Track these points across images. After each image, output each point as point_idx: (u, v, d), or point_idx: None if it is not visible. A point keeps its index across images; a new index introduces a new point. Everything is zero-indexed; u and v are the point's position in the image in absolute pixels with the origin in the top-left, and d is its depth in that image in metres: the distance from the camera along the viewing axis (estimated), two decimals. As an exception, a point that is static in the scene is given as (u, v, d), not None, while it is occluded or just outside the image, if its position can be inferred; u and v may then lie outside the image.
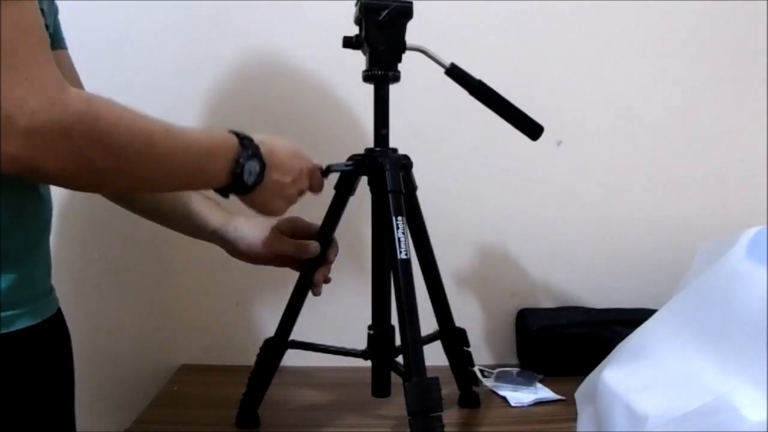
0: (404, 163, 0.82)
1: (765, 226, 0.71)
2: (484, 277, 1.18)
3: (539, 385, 1.01)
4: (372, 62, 0.81)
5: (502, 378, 1.04)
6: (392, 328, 0.85)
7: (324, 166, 0.82)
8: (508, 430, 0.89)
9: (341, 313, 1.12)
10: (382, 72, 0.80)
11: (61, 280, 0.74)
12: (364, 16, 0.79)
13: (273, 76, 1.13)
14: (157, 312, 1.16)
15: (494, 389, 1.01)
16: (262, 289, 1.14)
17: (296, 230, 0.88)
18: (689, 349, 0.69)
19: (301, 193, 0.79)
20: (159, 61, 1.11)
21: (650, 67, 1.18)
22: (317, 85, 1.13)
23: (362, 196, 0.84)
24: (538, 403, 0.97)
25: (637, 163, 1.20)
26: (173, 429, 0.89)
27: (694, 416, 0.61)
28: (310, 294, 0.86)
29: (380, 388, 0.87)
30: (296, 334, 0.87)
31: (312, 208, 0.85)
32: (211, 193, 0.73)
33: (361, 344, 0.87)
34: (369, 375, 0.88)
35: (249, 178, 0.69)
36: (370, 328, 0.86)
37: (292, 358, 0.88)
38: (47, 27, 0.68)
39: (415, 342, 0.70)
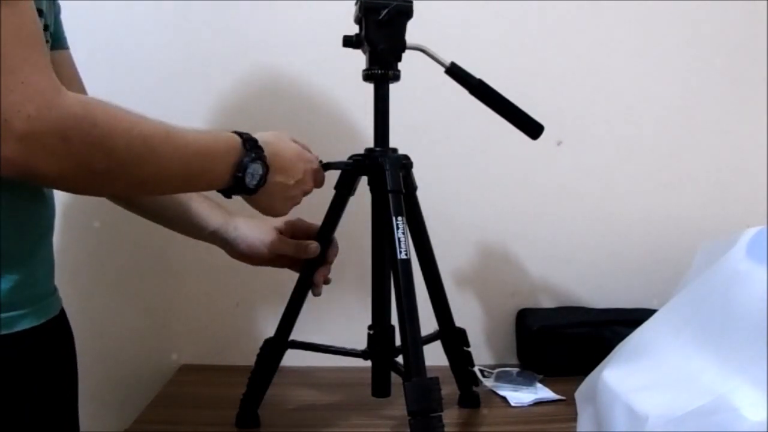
0: (404, 163, 0.82)
1: (765, 226, 0.71)
2: (484, 277, 1.18)
3: (539, 385, 1.01)
4: (372, 61, 0.81)
5: (502, 378, 1.04)
6: (392, 328, 0.85)
7: (323, 162, 0.82)
8: (508, 430, 0.89)
9: (341, 313, 1.12)
10: (382, 71, 0.80)
11: (61, 280, 0.74)
12: (364, 16, 0.79)
13: (273, 76, 1.13)
14: (157, 312, 1.16)
15: (494, 389, 1.01)
16: (262, 289, 1.14)
17: (296, 231, 0.88)
18: (689, 349, 0.69)
19: (305, 193, 0.79)
20: (158, 61, 1.11)
21: (650, 66, 1.18)
22: (317, 84, 1.13)
23: (362, 196, 0.84)
24: (538, 403, 0.97)
25: (637, 163, 1.20)
26: (173, 429, 0.89)
27: (694, 416, 0.61)
28: (310, 294, 0.86)
29: (380, 388, 0.87)
30: (296, 334, 0.87)
31: (312, 208, 0.85)
32: (212, 193, 0.73)
33: (361, 344, 0.87)
34: (369, 375, 0.88)
35: (251, 181, 0.68)
36: (370, 328, 0.86)
37: (292, 358, 0.88)
38: (47, 27, 0.68)
39: (415, 342, 0.70)
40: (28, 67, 0.50)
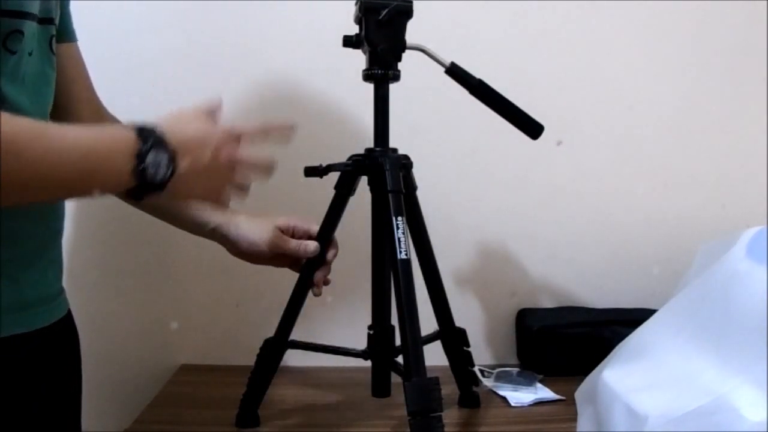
0: (404, 163, 0.82)
1: (765, 226, 0.71)
2: (484, 277, 1.18)
3: (539, 385, 1.01)
4: (372, 61, 0.81)
5: (502, 378, 1.04)
6: (392, 327, 0.85)
7: (324, 166, 0.82)
8: (508, 430, 0.89)
9: (341, 313, 1.12)
10: (382, 71, 0.80)
11: (62, 280, 0.74)
12: (364, 15, 0.79)
13: (273, 76, 1.13)
14: (157, 312, 1.16)
15: (494, 389, 1.01)
16: (262, 289, 1.14)
17: (296, 230, 0.87)
18: (689, 349, 0.69)
19: (233, 168, 0.68)
20: (158, 60, 1.11)
21: (650, 67, 1.18)
22: (317, 84, 1.13)
23: (362, 195, 0.84)
24: (538, 403, 0.97)
25: (637, 163, 1.20)
26: (173, 429, 0.89)
27: (693, 416, 0.61)
28: (310, 294, 0.86)
29: (380, 388, 0.87)
30: (296, 334, 0.87)
31: (312, 209, 0.85)
32: None
33: (361, 344, 0.87)
34: (369, 375, 0.88)
35: (158, 173, 0.58)
36: (370, 328, 0.86)
37: (292, 358, 0.88)
38: (51, 20, 0.67)
39: (415, 342, 0.70)
40: None
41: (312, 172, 0.84)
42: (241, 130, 0.69)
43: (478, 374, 1.01)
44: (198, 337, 1.17)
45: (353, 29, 0.82)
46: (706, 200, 1.21)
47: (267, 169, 0.70)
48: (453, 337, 0.90)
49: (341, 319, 1.11)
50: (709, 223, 1.18)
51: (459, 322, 0.91)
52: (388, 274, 0.82)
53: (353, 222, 0.86)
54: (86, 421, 0.81)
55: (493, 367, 1.09)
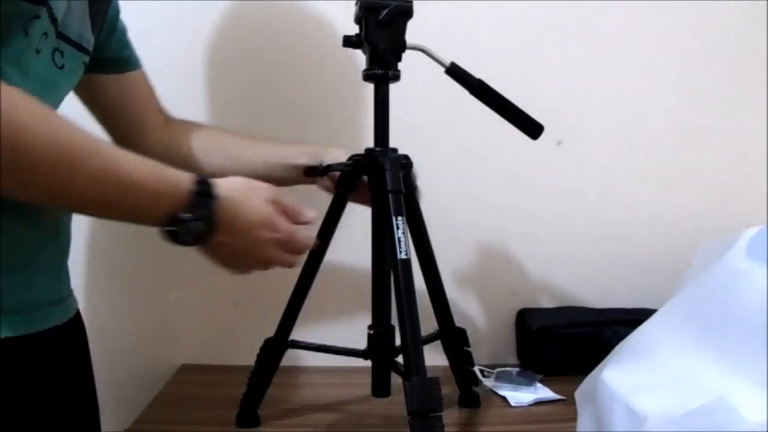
0: (404, 163, 0.82)
1: (765, 226, 0.71)
2: (484, 277, 1.18)
3: (539, 385, 1.01)
4: (372, 61, 0.81)
5: (502, 378, 1.04)
6: (392, 327, 0.85)
7: (324, 164, 0.82)
8: (508, 430, 0.89)
9: (341, 313, 1.12)
10: (382, 71, 0.80)
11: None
12: (364, 15, 0.79)
13: (273, 76, 1.13)
14: (157, 312, 1.16)
15: (494, 389, 1.01)
16: (262, 289, 1.14)
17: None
18: (689, 348, 0.69)
19: (266, 264, 0.69)
20: (157, 61, 1.11)
21: (650, 67, 1.18)
22: (317, 84, 1.13)
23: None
24: (538, 403, 0.97)
25: (637, 163, 1.20)
26: (173, 429, 0.89)
27: (693, 416, 0.61)
28: (310, 294, 0.86)
29: (380, 388, 0.87)
30: (296, 334, 0.87)
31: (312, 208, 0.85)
32: None
33: (361, 344, 0.87)
34: (369, 375, 0.88)
35: (185, 238, 0.59)
36: (370, 328, 0.86)
37: (292, 358, 0.88)
38: (86, 49, 0.68)
39: (415, 342, 0.70)
40: None
41: (312, 171, 0.84)
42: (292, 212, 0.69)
43: (478, 374, 1.01)
44: (198, 337, 1.17)
45: (353, 29, 0.82)
46: (706, 200, 1.21)
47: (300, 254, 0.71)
48: (453, 337, 0.90)
49: (341, 319, 1.11)
50: (709, 223, 1.18)
51: (459, 322, 0.91)
52: (388, 273, 0.82)
53: (353, 222, 0.86)
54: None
55: (493, 367, 1.09)
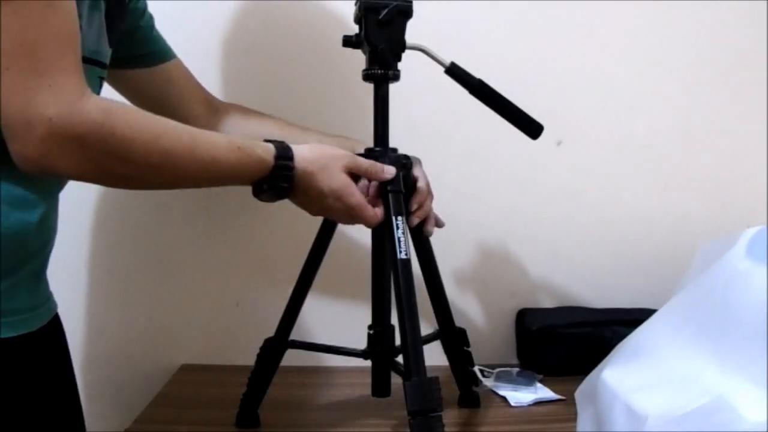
0: (404, 163, 0.82)
1: (765, 226, 0.71)
2: (484, 277, 1.18)
3: (539, 385, 1.01)
4: (372, 61, 0.81)
5: (502, 378, 1.04)
6: (392, 327, 0.85)
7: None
8: (508, 430, 0.89)
9: (341, 313, 1.12)
10: (381, 71, 0.80)
11: (61, 280, 0.74)
12: (364, 15, 0.79)
13: (272, 76, 1.13)
14: (157, 312, 1.16)
15: (494, 389, 1.01)
16: (262, 289, 1.14)
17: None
18: (689, 348, 0.69)
19: (343, 220, 0.78)
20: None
21: (650, 67, 1.18)
22: (317, 85, 1.13)
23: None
24: (538, 403, 0.97)
25: (637, 163, 1.20)
26: (173, 429, 0.89)
27: (693, 416, 0.61)
28: (310, 294, 0.86)
29: (380, 387, 0.87)
30: (296, 334, 0.87)
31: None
32: None
33: (361, 344, 0.87)
34: (369, 375, 0.88)
35: (265, 198, 0.71)
36: (370, 327, 0.86)
37: (292, 358, 0.88)
38: (102, 63, 0.70)
39: (415, 342, 0.70)
40: (58, 71, 0.52)
41: None
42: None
43: (478, 374, 1.01)
44: (198, 337, 1.17)
45: (353, 29, 0.82)
46: (706, 200, 1.21)
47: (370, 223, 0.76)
48: (453, 337, 0.90)
49: (341, 319, 1.11)
50: (709, 223, 1.18)
51: (459, 322, 0.91)
52: (388, 273, 0.82)
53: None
54: (86, 420, 0.81)
55: (493, 367, 1.09)
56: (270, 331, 0.86)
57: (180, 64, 0.90)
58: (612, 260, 1.20)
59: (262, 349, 0.87)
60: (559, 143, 1.17)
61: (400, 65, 0.82)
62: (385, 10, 0.77)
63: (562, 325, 1.10)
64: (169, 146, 0.60)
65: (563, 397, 0.97)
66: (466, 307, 1.18)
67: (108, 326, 1.15)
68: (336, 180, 0.73)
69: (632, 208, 1.20)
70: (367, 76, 0.82)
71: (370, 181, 0.76)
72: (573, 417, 0.84)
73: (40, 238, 0.67)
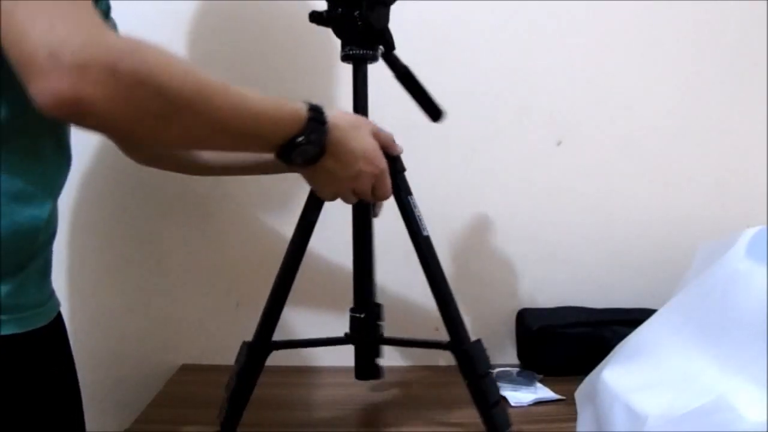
0: None
1: (765, 226, 0.71)
2: (484, 277, 1.18)
3: (539, 385, 1.01)
4: (349, 41, 0.79)
5: (502, 378, 1.04)
6: (379, 307, 0.84)
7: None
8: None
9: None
10: (360, 51, 0.78)
11: (62, 280, 0.74)
12: None
13: (271, 76, 1.13)
14: (157, 312, 1.16)
15: (494, 389, 1.01)
16: (262, 289, 1.14)
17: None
18: (689, 348, 0.69)
19: (358, 194, 0.75)
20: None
21: (650, 67, 1.18)
22: (317, 82, 1.12)
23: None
24: (538, 403, 0.97)
25: (636, 164, 1.20)
26: (173, 429, 0.89)
27: (693, 416, 0.61)
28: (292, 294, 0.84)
29: (365, 370, 0.84)
30: (279, 335, 0.85)
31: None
32: None
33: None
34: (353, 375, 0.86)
35: (298, 158, 0.66)
36: (352, 310, 0.84)
37: (291, 358, 0.88)
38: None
39: (456, 312, 0.74)
40: (75, 8, 0.48)
41: None
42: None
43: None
44: (198, 337, 1.17)
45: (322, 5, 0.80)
46: (706, 200, 1.21)
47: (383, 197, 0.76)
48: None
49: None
50: (709, 223, 1.18)
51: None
52: (369, 252, 0.82)
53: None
54: (86, 421, 0.81)
55: (493, 367, 1.08)
56: (270, 331, 0.86)
57: None
58: (612, 260, 1.20)
59: (243, 354, 0.83)
60: (559, 143, 1.17)
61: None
62: None
63: (562, 325, 1.10)
64: (203, 79, 0.56)
65: (563, 397, 0.97)
66: (466, 307, 1.17)
67: (108, 326, 1.15)
68: (367, 141, 0.71)
69: (632, 208, 1.20)
70: (345, 57, 0.79)
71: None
72: (573, 417, 0.84)
73: (48, 233, 0.67)
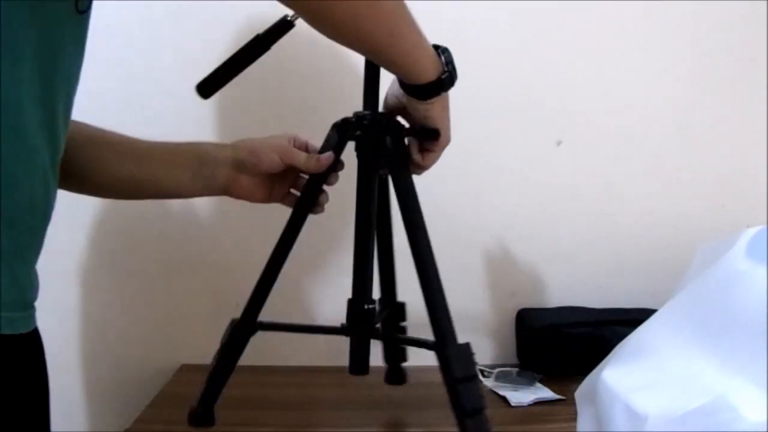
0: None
1: (765, 226, 0.71)
2: (484, 277, 1.18)
3: (539, 385, 1.01)
4: None
5: (502, 378, 1.04)
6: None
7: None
8: (508, 430, 0.89)
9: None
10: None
11: (61, 280, 0.74)
12: None
13: (270, 75, 1.13)
14: (157, 312, 1.16)
15: (494, 389, 1.01)
16: (262, 289, 1.14)
17: (297, 146, 0.84)
18: (689, 348, 0.69)
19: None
20: (151, 57, 1.11)
21: (650, 66, 1.18)
22: (317, 81, 1.12)
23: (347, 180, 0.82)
24: (538, 403, 0.97)
25: (637, 163, 1.20)
26: (173, 429, 0.89)
27: (693, 416, 0.61)
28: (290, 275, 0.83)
29: (360, 365, 0.83)
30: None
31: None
32: None
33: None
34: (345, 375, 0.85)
35: (448, 85, 0.74)
36: (350, 301, 0.82)
37: (288, 358, 0.87)
38: None
39: (444, 312, 0.72)
40: None
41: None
42: None
43: (478, 374, 1.01)
44: (198, 337, 1.16)
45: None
46: (706, 200, 1.21)
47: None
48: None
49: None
50: (709, 223, 1.18)
51: (459, 321, 0.90)
52: (372, 240, 0.80)
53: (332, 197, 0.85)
54: (86, 421, 0.81)
55: (493, 367, 1.09)
56: (269, 331, 0.86)
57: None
58: (612, 260, 1.20)
59: (226, 332, 0.82)
60: (559, 143, 1.17)
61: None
62: None
63: (562, 325, 1.10)
64: None
65: (563, 397, 0.97)
66: (466, 307, 1.18)
67: (108, 326, 1.15)
68: None
69: (632, 208, 1.20)
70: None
71: None
72: (573, 417, 0.84)
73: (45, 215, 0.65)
